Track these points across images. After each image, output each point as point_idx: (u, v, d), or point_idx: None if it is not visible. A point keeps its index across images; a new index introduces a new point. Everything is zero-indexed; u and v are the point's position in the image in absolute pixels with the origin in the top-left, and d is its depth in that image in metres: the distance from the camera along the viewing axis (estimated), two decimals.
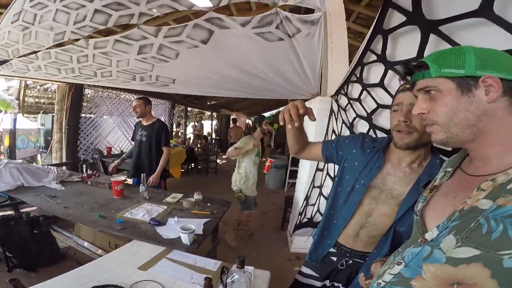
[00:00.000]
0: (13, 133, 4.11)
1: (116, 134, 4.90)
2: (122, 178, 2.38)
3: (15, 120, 4.31)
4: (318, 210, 2.70)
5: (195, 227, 1.57)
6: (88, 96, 4.45)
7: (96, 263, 1.30)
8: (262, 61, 2.22)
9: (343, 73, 2.03)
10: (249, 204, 3.02)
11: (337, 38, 2.15)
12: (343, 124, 2.16)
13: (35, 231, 2.41)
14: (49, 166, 2.79)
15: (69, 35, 1.86)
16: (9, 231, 2.27)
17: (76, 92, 3.98)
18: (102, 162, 4.22)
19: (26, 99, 4.69)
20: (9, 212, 2.79)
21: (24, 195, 2.26)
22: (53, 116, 5.00)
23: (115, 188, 2.24)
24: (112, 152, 4.48)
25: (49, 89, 5.35)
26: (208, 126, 11.49)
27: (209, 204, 2.17)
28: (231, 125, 9.08)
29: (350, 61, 2.07)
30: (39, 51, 2.16)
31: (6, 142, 4.20)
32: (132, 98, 5.42)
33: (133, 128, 2.96)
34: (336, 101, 2.42)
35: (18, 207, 2.79)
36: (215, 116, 11.36)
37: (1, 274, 2.15)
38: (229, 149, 2.93)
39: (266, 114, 13.25)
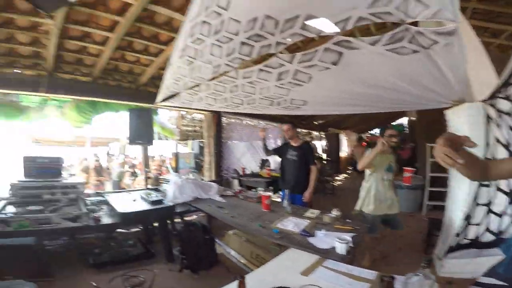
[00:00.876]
0: (176, 156, 5.45)
1: (246, 157, 5.62)
2: (268, 193, 2.68)
3: (176, 145, 5.71)
4: (487, 230, 2.34)
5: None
6: (223, 123, 5.28)
7: (263, 268, 1.46)
8: (393, 74, 2.08)
9: (489, 75, 1.68)
10: (369, 223, 2.64)
11: (469, 38, 1.81)
12: None
13: (206, 237, 2.77)
14: (211, 183, 3.40)
15: (223, 67, 2.13)
16: (189, 235, 2.67)
17: (218, 120, 4.82)
18: (239, 180, 4.86)
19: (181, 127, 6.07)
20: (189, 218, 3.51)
21: (200, 205, 2.81)
22: (199, 142, 6.29)
23: (265, 201, 2.51)
24: (245, 172, 5.12)
25: (195, 118, 6.77)
26: (318, 147, 11.44)
27: (348, 220, 2.18)
28: (354, 143, 8.70)
29: None
30: (201, 83, 2.54)
31: (173, 163, 5.59)
32: (256, 123, 6.17)
33: (280, 148, 3.40)
34: (493, 105, 2.07)
35: (182, 216, 3.43)
36: (324, 135, 11.26)
37: (173, 274, 2.57)
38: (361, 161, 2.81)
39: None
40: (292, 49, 2.01)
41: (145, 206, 2.60)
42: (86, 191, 2.80)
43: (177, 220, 3.44)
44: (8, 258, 1.95)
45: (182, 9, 2.50)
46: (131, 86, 3.78)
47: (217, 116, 4.79)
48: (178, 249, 2.73)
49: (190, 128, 7.03)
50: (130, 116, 3.43)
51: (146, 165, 7.99)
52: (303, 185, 2.96)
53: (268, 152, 3.43)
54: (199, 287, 2.45)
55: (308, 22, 1.54)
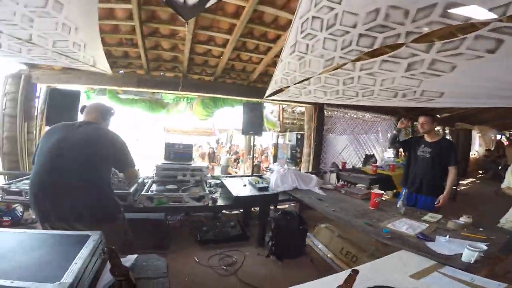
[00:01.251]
0: (276, 146, 5.73)
1: (348, 151, 5.29)
2: (381, 191, 2.50)
3: (277, 137, 5.99)
4: None
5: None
6: (326, 116, 5.10)
7: (370, 265, 1.43)
8: None
9: None
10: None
11: None
12: None
13: (300, 227, 2.87)
14: (311, 175, 3.40)
15: (337, 60, 2.05)
16: (284, 224, 2.79)
17: (319, 113, 4.68)
18: (337, 175, 4.63)
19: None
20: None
21: (299, 194, 2.88)
22: (296, 133, 6.35)
23: (374, 199, 2.37)
24: (345, 167, 4.83)
25: (295, 111, 6.84)
26: None
27: (481, 228, 1.92)
28: (505, 142, 6.91)
29: None
30: (311, 77, 2.53)
31: (273, 152, 5.93)
32: (361, 116, 5.68)
33: (408, 142, 3.02)
34: None
35: (277, 204, 3.52)
36: (448, 131, 9.24)
37: (261, 258, 2.75)
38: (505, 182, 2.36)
39: None
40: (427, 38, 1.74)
41: (254, 192, 2.83)
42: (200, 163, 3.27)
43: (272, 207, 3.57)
44: (139, 230, 2.26)
45: (287, 7, 2.54)
46: (244, 83, 4.16)
47: (318, 109, 4.68)
48: (270, 235, 2.84)
49: (289, 121, 7.18)
50: (244, 110, 3.79)
51: (250, 152, 8.80)
52: (433, 187, 2.58)
53: (393, 144, 3.11)
54: (281, 274, 2.53)
55: (452, 11, 1.35)
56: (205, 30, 2.87)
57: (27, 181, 2.27)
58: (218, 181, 3.30)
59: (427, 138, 2.75)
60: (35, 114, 3.59)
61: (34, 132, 3.62)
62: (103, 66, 2.80)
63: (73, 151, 1.59)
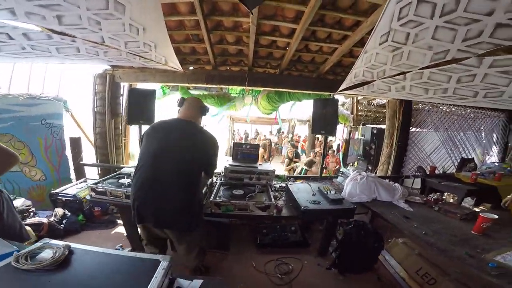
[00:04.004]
0: (347, 143, 5.13)
1: (439, 152, 4.37)
2: (495, 216, 1.94)
3: (349, 132, 5.37)
4: None
5: None
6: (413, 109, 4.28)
7: None
8: None
9: None
10: None
11: None
12: None
13: (375, 245, 2.48)
14: (395, 184, 2.86)
15: (454, 53, 1.61)
16: (356, 238, 2.47)
17: (406, 108, 3.93)
18: (423, 181, 3.86)
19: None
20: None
21: (379, 209, 2.45)
22: (372, 128, 5.59)
23: (481, 225, 1.92)
24: (434, 172, 4.00)
25: (372, 104, 6.02)
26: None
27: None
28: None
29: None
30: (409, 71, 2.12)
31: (343, 149, 5.36)
32: (456, 111, 4.60)
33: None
34: None
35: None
36: None
37: (320, 269, 2.52)
38: None
39: None
40: None
41: (325, 204, 2.47)
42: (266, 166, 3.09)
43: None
44: (206, 230, 2.36)
45: None
46: (312, 75, 3.75)
47: (406, 102, 3.92)
48: (335, 246, 2.56)
49: (363, 113, 6.40)
50: (314, 106, 3.40)
51: (313, 145, 8.33)
52: None
53: None
54: None
55: None
56: (270, 19, 2.59)
57: (112, 180, 2.47)
58: (283, 184, 3.06)
59: None
60: (120, 111, 3.95)
61: (120, 127, 4.02)
62: (174, 64, 2.81)
63: (175, 156, 1.65)
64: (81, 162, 3.85)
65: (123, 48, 2.06)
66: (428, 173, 3.99)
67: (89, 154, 4.10)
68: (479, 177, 3.56)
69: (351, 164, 5.66)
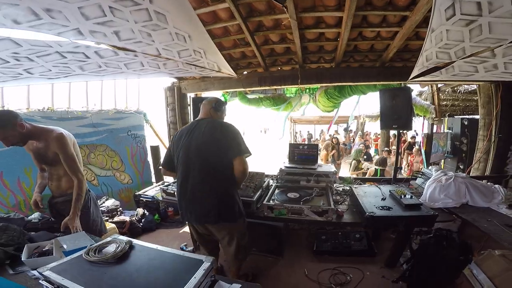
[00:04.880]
0: (430, 138, 4.36)
1: None
2: None
3: (431, 125, 4.56)
4: None
5: None
6: None
7: None
8: None
9: None
10: None
11: None
12: None
13: (461, 257, 2.01)
14: (494, 185, 2.30)
15: None
16: (436, 250, 2.07)
17: (505, 91, 3.09)
18: None
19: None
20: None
21: (471, 215, 2.02)
22: (462, 119, 4.62)
23: None
24: None
25: (458, 91, 4.99)
26: None
27: None
28: None
29: None
30: (498, 46, 1.73)
31: (424, 146, 4.59)
32: None
33: None
34: None
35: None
36: None
37: (385, 282, 2.21)
38: None
39: None
40: None
41: (397, 210, 2.13)
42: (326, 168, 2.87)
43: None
44: (258, 233, 2.39)
45: None
46: (374, 64, 3.35)
47: (503, 86, 3.11)
48: (407, 258, 2.20)
49: (447, 102, 5.37)
50: (381, 98, 3.02)
51: (388, 144, 7.42)
52: None
53: None
54: None
55: None
56: (309, 12, 2.41)
57: None
58: (347, 187, 2.79)
59: None
60: (189, 120, 4.34)
61: None
62: (227, 69, 2.92)
63: (195, 158, 1.76)
64: (159, 167, 4.39)
65: (178, 58, 2.23)
66: None
67: None
68: None
69: (434, 163, 4.80)
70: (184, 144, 1.82)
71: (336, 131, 13.25)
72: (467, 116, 4.81)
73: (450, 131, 4.83)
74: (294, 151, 3.02)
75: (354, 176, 4.67)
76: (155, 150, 4.49)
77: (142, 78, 3.10)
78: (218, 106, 1.99)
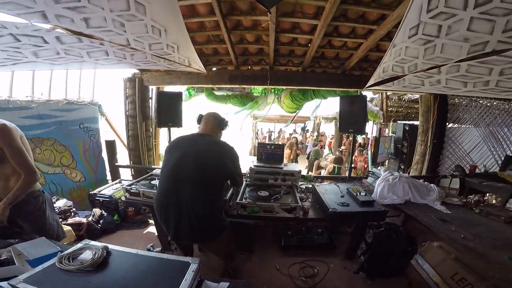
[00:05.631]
0: (377, 141, 4.89)
1: (480, 150, 4.01)
2: None
3: (379, 130, 5.11)
4: None
5: None
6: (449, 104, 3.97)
7: None
8: None
9: None
10: None
11: None
12: None
13: (408, 248, 2.34)
14: (430, 184, 2.69)
15: (494, 45, 1.51)
16: (387, 242, 2.35)
17: (441, 102, 3.65)
18: (462, 181, 3.56)
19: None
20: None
21: (413, 211, 2.30)
22: (404, 124, 5.26)
23: None
24: (474, 171, 3.67)
25: (403, 99, 5.69)
26: None
27: None
28: None
29: None
30: (444, 65, 2.00)
31: (372, 149, 5.13)
32: (497, 105, 4.17)
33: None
34: None
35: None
36: None
37: (347, 273, 2.44)
38: None
39: None
40: None
41: (354, 206, 2.37)
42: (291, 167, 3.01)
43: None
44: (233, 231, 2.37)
45: None
46: (336, 71, 3.64)
47: (440, 97, 3.66)
48: (364, 249, 2.45)
49: (393, 109, 6.07)
50: (341, 104, 3.28)
51: (340, 143, 8.06)
52: None
53: None
54: None
55: None
56: (289, 17, 2.54)
57: (144, 182, 2.58)
58: (309, 185, 2.99)
59: None
60: (150, 113, 4.12)
61: (151, 129, 4.20)
62: (198, 65, 2.87)
63: (188, 171, 1.66)
64: (116, 164, 4.08)
65: (148, 51, 2.13)
66: (467, 172, 3.68)
67: (123, 156, 4.35)
68: None
69: (381, 163, 5.39)
70: (176, 158, 1.72)
71: (295, 130, 13.86)
72: (408, 122, 5.49)
73: (394, 135, 5.45)
74: (262, 151, 3.12)
75: (314, 174, 4.99)
76: (110, 145, 4.14)
77: (101, 68, 2.84)
78: (225, 126, 1.97)
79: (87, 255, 1.11)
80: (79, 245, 1.21)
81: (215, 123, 1.91)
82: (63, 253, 1.11)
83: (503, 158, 3.91)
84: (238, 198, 2.28)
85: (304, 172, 5.77)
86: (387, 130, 5.87)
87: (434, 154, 3.75)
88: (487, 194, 3.08)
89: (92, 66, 2.78)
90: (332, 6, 2.20)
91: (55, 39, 1.78)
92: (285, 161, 3.58)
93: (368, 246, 2.44)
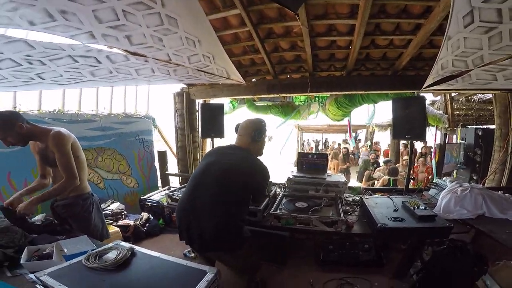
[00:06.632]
0: (442, 149, 4.25)
1: None
2: None
3: (445, 135, 4.45)
4: None
5: None
6: None
7: None
8: None
9: None
10: None
11: None
12: None
13: (475, 269, 1.88)
14: (508, 195, 2.19)
15: None
16: (450, 261, 1.94)
17: None
18: None
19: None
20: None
21: (487, 226, 1.98)
22: (476, 129, 4.49)
23: None
24: None
25: (473, 100, 4.87)
26: None
27: None
28: None
29: None
30: None
31: (437, 157, 4.47)
32: None
33: None
34: None
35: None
36: None
37: None
38: None
39: None
40: None
41: (410, 222, 2.04)
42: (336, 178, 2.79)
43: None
44: (262, 241, 2.23)
45: None
46: (386, 73, 3.31)
47: None
48: (418, 268, 2.07)
49: (461, 112, 5.25)
50: (394, 107, 2.95)
51: (399, 154, 7.26)
52: None
53: None
54: None
55: None
56: (321, 19, 2.41)
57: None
58: (357, 198, 2.70)
59: None
60: (197, 126, 4.35)
61: (197, 141, 4.43)
62: (236, 76, 2.91)
63: (212, 180, 1.60)
64: (166, 172, 4.38)
65: (188, 64, 2.24)
66: None
67: (173, 165, 4.65)
68: None
69: (447, 174, 4.65)
70: (203, 166, 1.71)
71: (345, 141, 13.10)
72: (481, 126, 4.67)
73: (463, 141, 4.69)
74: (303, 160, 2.96)
75: (365, 186, 4.56)
76: (162, 155, 4.49)
77: (152, 85, 3.12)
78: (258, 135, 1.79)
79: (112, 255, 1.14)
80: (110, 244, 1.26)
81: (247, 136, 1.79)
82: (92, 251, 1.16)
83: None
84: (273, 209, 2.18)
85: (356, 185, 5.35)
86: (454, 136, 5.07)
87: None
88: None
89: (145, 83, 3.06)
90: (367, 2, 2.02)
91: (106, 58, 2.00)
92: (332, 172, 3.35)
93: (424, 264, 2.08)
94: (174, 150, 4.65)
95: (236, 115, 5.12)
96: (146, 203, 3.48)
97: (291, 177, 2.69)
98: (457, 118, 5.03)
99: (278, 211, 2.17)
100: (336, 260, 2.53)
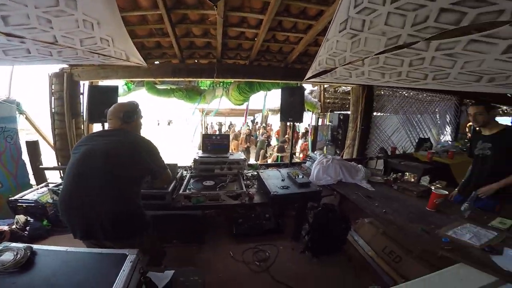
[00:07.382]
0: (316, 129, 5.35)
1: (399, 134, 4.73)
2: (445, 192, 2.06)
3: (317, 119, 5.57)
4: None
5: None
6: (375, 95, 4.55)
7: (423, 281, 1.28)
8: None
9: None
10: None
11: None
12: None
13: (342, 226, 2.54)
14: (358, 165, 3.03)
15: (405, 38, 1.72)
16: (325, 221, 2.53)
17: (368, 93, 4.17)
18: (385, 161, 4.15)
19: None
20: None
21: (344, 190, 2.56)
22: (339, 114, 5.85)
23: (434, 201, 2.01)
24: (395, 152, 4.32)
25: (338, 91, 6.27)
26: None
27: None
28: None
29: None
30: (367, 57, 2.21)
31: (312, 137, 5.59)
32: (413, 95, 4.97)
33: (469, 141, 2.56)
34: None
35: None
36: None
37: (294, 253, 2.58)
38: None
39: None
40: None
41: (293, 189, 2.58)
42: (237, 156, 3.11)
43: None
44: (176, 224, 2.42)
45: None
46: (280, 65, 3.83)
47: (367, 89, 4.15)
48: (306, 230, 2.63)
49: (330, 100, 6.63)
50: (282, 95, 3.50)
51: (286, 134, 8.52)
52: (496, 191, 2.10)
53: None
54: (315, 271, 2.34)
55: None
56: (237, 11, 2.59)
57: None
58: (255, 173, 3.14)
59: (486, 132, 2.28)
60: (81, 110, 3.74)
61: (82, 127, 3.81)
62: (137, 59, 2.71)
63: (96, 166, 1.48)
64: (40, 166, 3.60)
65: (79, 47, 1.94)
66: (389, 154, 4.27)
67: (49, 157, 3.88)
68: (434, 156, 3.81)
69: (320, 149, 5.92)
70: (80, 155, 1.52)
71: (246, 123, 14.05)
72: (342, 112, 6.11)
73: (331, 123, 6.02)
74: (207, 142, 3.14)
75: (261, 163, 5.21)
76: (32, 146, 3.58)
77: (19, 65, 2.48)
78: (127, 117, 1.68)
79: (8, 257, 1.02)
80: None
81: (117, 119, 1.67)
82: None
83: (417, 140, 4.70)
84: (181, 189, 2.28)
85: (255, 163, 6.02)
86: (325, 119, 6.44)
87: (362, 138, 4.27)
88: (406, 173, 3.47)
89: (7, 64, 2.41)
90: (277, 1, 2.29)
91: None
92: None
93: (310, 226, 2.61)
94: (50, 139, 3.88)
95: (131, 98, 4.67)
96: (19, 204, 2.87)
97: (197, 158, 2.82)
98: (327, 105, 6.37)
99: (187, 191, 2.28)
100: (247, 232, 2.89)
